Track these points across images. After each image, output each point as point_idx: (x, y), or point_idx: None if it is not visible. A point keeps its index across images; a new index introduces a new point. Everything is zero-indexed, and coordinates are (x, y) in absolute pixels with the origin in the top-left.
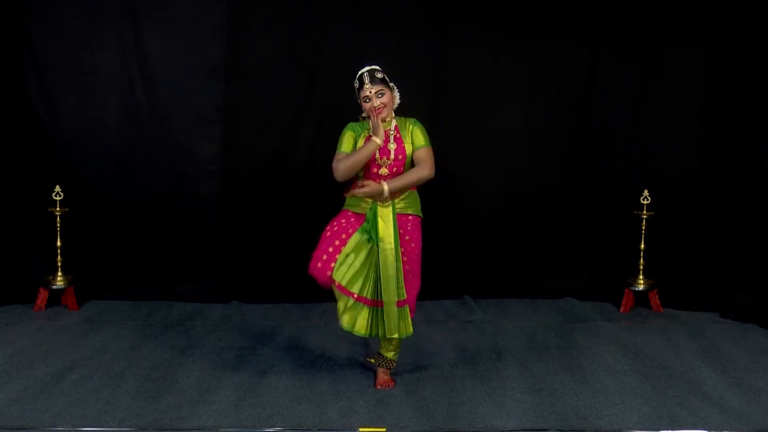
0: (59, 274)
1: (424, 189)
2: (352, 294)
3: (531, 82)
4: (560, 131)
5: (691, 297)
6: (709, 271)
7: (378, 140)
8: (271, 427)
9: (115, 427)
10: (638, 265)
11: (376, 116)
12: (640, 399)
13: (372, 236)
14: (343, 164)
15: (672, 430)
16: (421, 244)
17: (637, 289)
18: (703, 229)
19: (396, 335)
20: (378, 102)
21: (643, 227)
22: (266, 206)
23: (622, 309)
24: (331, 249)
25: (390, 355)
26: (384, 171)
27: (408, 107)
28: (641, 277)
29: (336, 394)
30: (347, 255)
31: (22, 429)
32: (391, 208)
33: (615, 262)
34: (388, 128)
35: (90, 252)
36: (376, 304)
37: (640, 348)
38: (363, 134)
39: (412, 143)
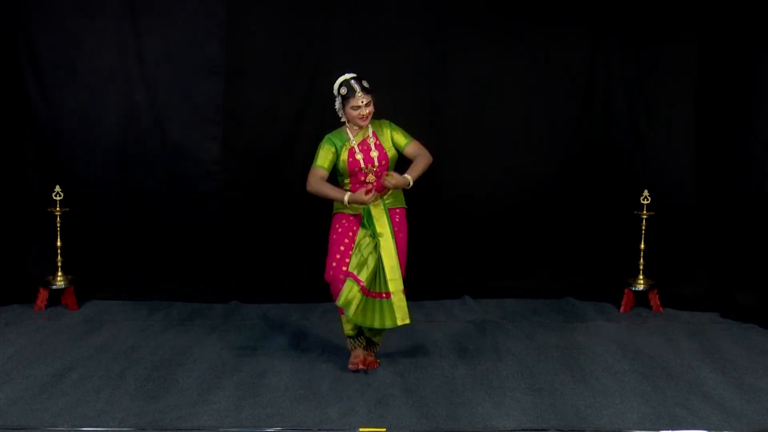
0: (59, 274)
1: (423, 188)
2: (360, 280)
3: (531, 82)
4: (560, 131)
5: (691, 297)
6: (709, 271)
7: (346, 199)
8: (271, 427)
9: (115, 427)
10: (638, 265)
11: (366, 192)
12: (640, 399)
13: (371, 232)
14: (314, 187)
15: (672, 430)
16: (407, 235)
17: (637, 289)
18: (702, 229)
19: (408, 321)
20: (367, 111)
21: (643, 227)
22: (266, 206)
23: (622, 309)
24: (342, 248)
25: (377, 339)
26: (371, 178)
27: (408, 107)
28: (641, 277)
29: (336, 394)
30: (356, 246)
31: (22, 429)
32: (382, 206)
33: (615, 262)
34: (366, 135)
35: (90, 252)
36: (371, 295)
37: (640, 348)
38: (345, 146)
39: (395, 145)
